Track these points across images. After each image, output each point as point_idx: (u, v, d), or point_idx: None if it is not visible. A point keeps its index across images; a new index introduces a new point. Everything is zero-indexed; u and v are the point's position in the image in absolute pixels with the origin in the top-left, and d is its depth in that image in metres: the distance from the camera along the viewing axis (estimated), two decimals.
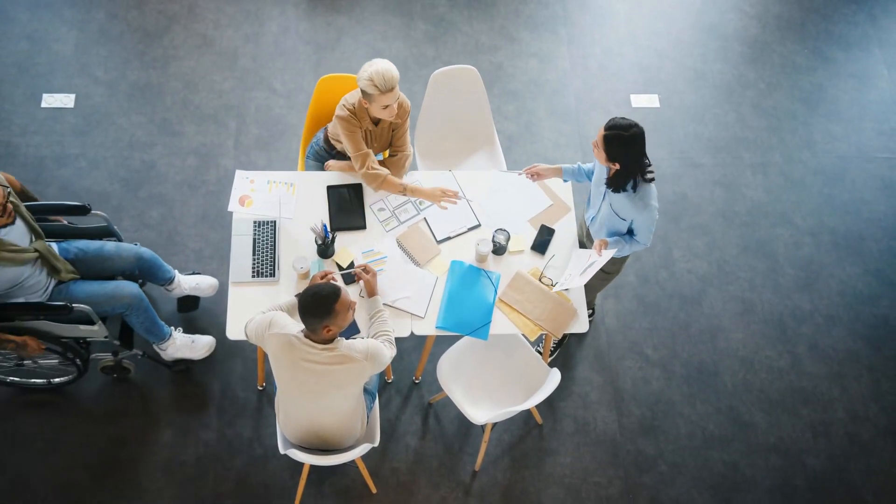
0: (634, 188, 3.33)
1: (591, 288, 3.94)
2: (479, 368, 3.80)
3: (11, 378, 3.99)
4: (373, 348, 3.08)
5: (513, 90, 5.13)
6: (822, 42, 5.46)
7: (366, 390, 3.49)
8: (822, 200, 4.93)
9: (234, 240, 3.71)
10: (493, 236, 3.69)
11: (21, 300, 3.42)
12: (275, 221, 3.76)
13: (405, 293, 3.64)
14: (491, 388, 3.76)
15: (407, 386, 4.24)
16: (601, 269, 3.78)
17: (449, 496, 3.98)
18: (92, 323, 3.57)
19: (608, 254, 3.40)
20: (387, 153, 4.00)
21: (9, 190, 3.29)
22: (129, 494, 3.88)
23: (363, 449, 3.33)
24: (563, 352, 4.39)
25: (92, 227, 3.85)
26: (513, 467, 4.07)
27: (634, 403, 4.28)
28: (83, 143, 4.75)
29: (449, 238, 3.81)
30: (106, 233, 3.87)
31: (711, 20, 5.49)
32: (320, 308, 2.91)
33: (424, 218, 3.84)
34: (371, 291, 3.49)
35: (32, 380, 4.02)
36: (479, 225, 3.85)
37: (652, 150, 4.99)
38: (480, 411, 3.67)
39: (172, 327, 4.02)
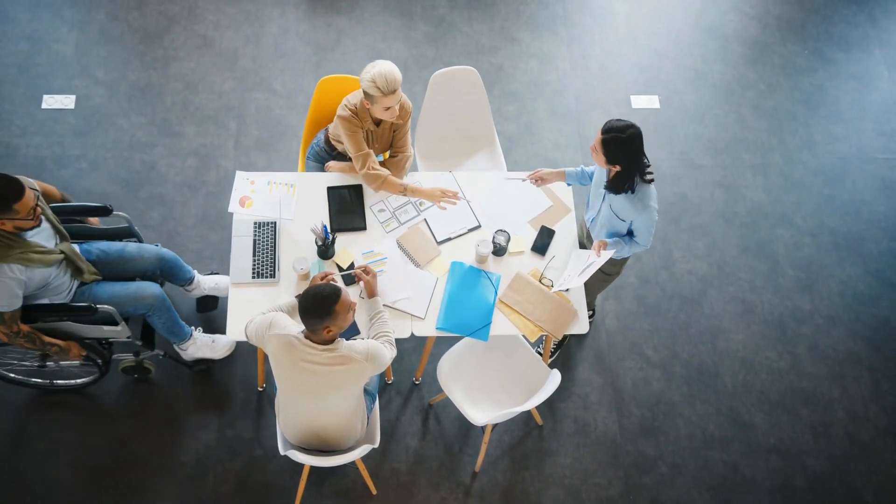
0: (633, 189, 3.33)
1: (592, 289, 3.94)
2: (480, 369, 3.80)
3: (35, 379, 4.02)
4: (373, 349, 3.08)
5: (513, 91, 5.13)
6: (822, 43, 5.46)
7: (366, 391, 3.49)
8: (823, 201, 4.93)
9: (235, 241, 3.71)
10: (494, 237, 3.69)
11: (45, 301, 3.46)
12: (275, 222, 3.76)
13: (405, 294, 3.64)
14: (491, 389, 3.76)
15: (407, 387, 4.24)
16: (601, 271, 3.78)
17: (449, 497, 3.98)
18: (115, 323, 3.60)
19: (607, 254, 3.40)
20: (387, 154, 4.00)
21: (37, 193, 3.32)
22: (129, 495, 3.88)
23: (363, 450, 3.34)
24: (564, 353, 4.39)
25: (112, 228, 3.87)
26: (513, 468, 4.07)
27: (635, 404, 4.28)
28: (83, 144, 4.75)
29: (449, 239, 3.81)
30: (126, 233, 3.89)
31: (711, 21, 5.49)
32: (321, 309, 2.91)
33: (425, 219, 3.84)
34: (371, 292, 3.49)
35: (56, 381, 4.06)
36: (479, 226, 3.85)
37: (652, 151, 4.99)
38: (481, 412, 3.67)
39: (193, 327, 4.03)
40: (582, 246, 3.95)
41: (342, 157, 3.96)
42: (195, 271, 4.12)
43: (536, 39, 5.32)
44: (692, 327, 4.50)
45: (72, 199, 3.84)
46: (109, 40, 5.09)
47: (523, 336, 3.84)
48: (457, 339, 4.07)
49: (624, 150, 3.19)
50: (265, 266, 3.65)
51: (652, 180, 3.32)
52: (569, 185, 3.83)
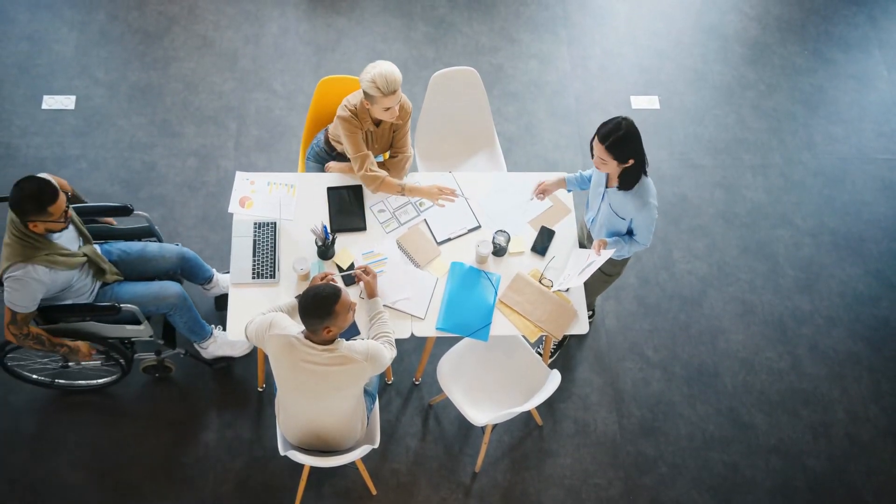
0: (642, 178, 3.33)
1: (592, 290, 3.94)
2: (480, 370, 3.80)
3: (58, 380, 4.03)
4: (373, 349, 3.08)
5: (513, 91, 5.13)
6: (822, 43, 5.47)
7: (366, 391, 3.49)
8: (823, 202, 4.93)
9: (235, 241, 3.71)
10: (494, 238, 3.69)
11: (69, 302, 3.47)
12: (275, 223, 3.76)
13: (405, 294, 3.64)
14: (491, 390, 3.76)
15: (407, 387, 4.24)
16: (602, 272, 3.78)
17: (449, 497, 3.98)
18: (138, 323, 3.61)
19: (607, 253, 3.40)
20: (387, 154, 4.00)
21: (68, 195, 3.34)
22: (129, 495, 3.88)
23: (363, 450, 3.34)
24: (564, 353, 4.39)
25: (132, 228, 3.88)
26: (513, 468, 4.07)
27: (635, 405, 4.28)
28: (83, 145, 4.75)
29: (449, 239, 3.81)
30: (146, 233, 3.90)
31: (711, 21, 5.49)
32: (321, 309, 2.91)
33: (425, 219, 3.84)
34: (371, 293, 3.49)
35: (78, 381, 4.08)
36: (479, 226, 3.85)
37: (652, 151, 4.99)
38: (480, 413, 3.67)
39: (213, 325, 4.04)
40: (582, 246, 3.95)
41: (342, 157, 3.96)
42: (214, 270, 4.13)
43: (536, 40, 5.32)
44: (692, 328, 4.50)
45: (86, 199, 3.85)
46: (109, 41, 5.09)
47: (523, 336, 3.84)
48: (457, 340, 4.06)
49: (629, 144, 3.18)
50: (265, 266, 3.65)
51: (646, 172, 3.32)
52: (569, 191, 3.83)
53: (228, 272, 4.26)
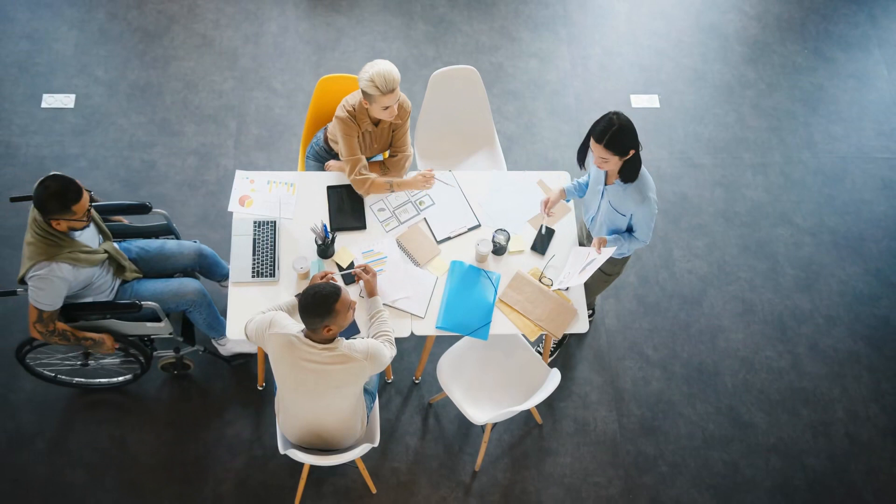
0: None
1: (592, 289, 3.94)
2: (479, 369, 3.80)
3: (77, 379, 4.05)
4: (373, 348, 3.08)
5: (513, 90, 5.13)
6: (822, 42, 5.46)
7: (366, 390, 3.49)
8: (823, 201, 4.93)
9: (234, 240, 3.71)
10: (493, 236, 3.69)
11: (89, 300, 3.49)
12: (275, 221, 3.76)
13: (405, 293, 3.64)
14: (491, 389, 3.76)
15: (407, 386, 4.24)
16: (602, 271, 3.78)
17: (449, 496, 3.98)
18: (158, 320, 3.63)
19: (608, 251, 3.39)
20: (387, 153, 4.00)
21: (91, 193, 3.37)
22: (129, 495, 3.88)
23: (363, 449, 3.34)
24: (563, 352, 4.39)
25: (150, 226, 3.90)
26: (513, 467, 4.07)
27: (634, 403, 4.28)
28: (83, 143, 4.75)
29: (449, 238, 3.81)
30: (164, 230, 3.92)
31: (711, 20, 5.49)
32: (320, 308, 2.91)
33: (424, 218, 3.84)
34: (371, 291, 3.49)
35: (98, 380, 4.09)
36: (478, 225, 3.85)
37: (652, 150, 4.99)
38: (480, 411, 3.67)
39: None
40: (581, 245, 3.94)
41: None
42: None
43: (536, 39, 5.32)
44: (692, 327, 4.50)
45: (98, 198, 3.87)
46: (109, 39, 5.09)
47: (523, 335, 3.84)
48: (457, 339, 4.06)
49: (626, 136, 3.17)
50: (265, 265, 3.65)
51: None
52: (567, 200, 3.82)
53: None
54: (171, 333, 3.74)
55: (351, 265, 3.68)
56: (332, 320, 2.94)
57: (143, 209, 3.70)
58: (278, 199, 3.82)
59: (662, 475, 4.11)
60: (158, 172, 4.70)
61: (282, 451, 3.31)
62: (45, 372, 3.94)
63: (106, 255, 3.45)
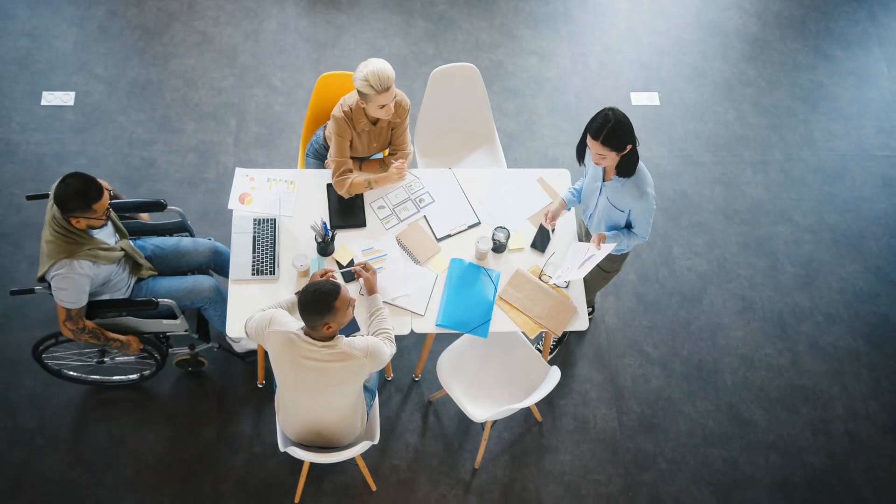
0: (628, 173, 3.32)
1: (591, 286, 3.94)
2: (479, 366, 3.80)
3: (93, 377, 4.06)
4: (373, 346, 3.08)
5: (513, 88, 5.13)
6: (822, 40, 5.46)
7: (365, 388, 3.49)
8: (823, 198, 4.93)
9: (234, 237, 3.71)
10: (493, 234, 3.69)
11: (106, 297, 3.51)
12: (275, 219, 3.76)
13: (405, 291, 3.64)
14: (491, 386, 3.76)
15: (407, 384, 4.25)
16: (601, 268, 3.78)
17: (449, 494, 3.98)
18: (174, 317, 3.64)
19: (608, 247, 3.39)
20: (387, 152, 4.00)
21: (111, 192, 3.38)
22: (129, 492, 3.89)
23: (363, 446, 3.34)
24: (563, 349, 4.39)
25: (164, 224, 3.90)
26: (512, 465, 4.08)
27: (634, 401, 4.28)
28: (83, 141, 4.74)
29: (449, 236, 3.81)
30: (179, 228, 3.92)
31: (711, 18, 5.48)
32: (320, 305, 2.91)
33: (424, 216, 3.84)
34: (371, 289, 3.49)
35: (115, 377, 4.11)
36: (478, 223, 3.85)
37: (652, 147, 4.99)
38: (480, 409, 3.67)
39: None
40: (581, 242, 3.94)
41: None
42: None
43: (536, 36, 5.32)
44: (692, 324, 4.50)
45: (123, 195, 3.88)
46: (109, 37, 5.08)
47: (523, 333, 3.84)
48: (456, 336, 4.07)
49: (623, 131, 3.16)
50: (265, 263, 3.65)
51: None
52: (568, 209, 3.80)
53: None
54: (186, 331, 3.75)
55: (351, 263, 3.68)
56: (331, 318, 2.94)
57: (158, 207, 3.71)
58: (278, 196, 3.82)
59: (662, 472, 4.11)
60: (158, 170, 4.70)
61: (282, 449, 3.31)
62: (62, 370, 3.95)
63: (123, 253, 3.47)
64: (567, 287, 3.71)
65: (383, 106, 3.51)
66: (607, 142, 3.16)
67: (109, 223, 3.48)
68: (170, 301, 3.54)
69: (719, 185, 4.92)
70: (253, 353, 4.16)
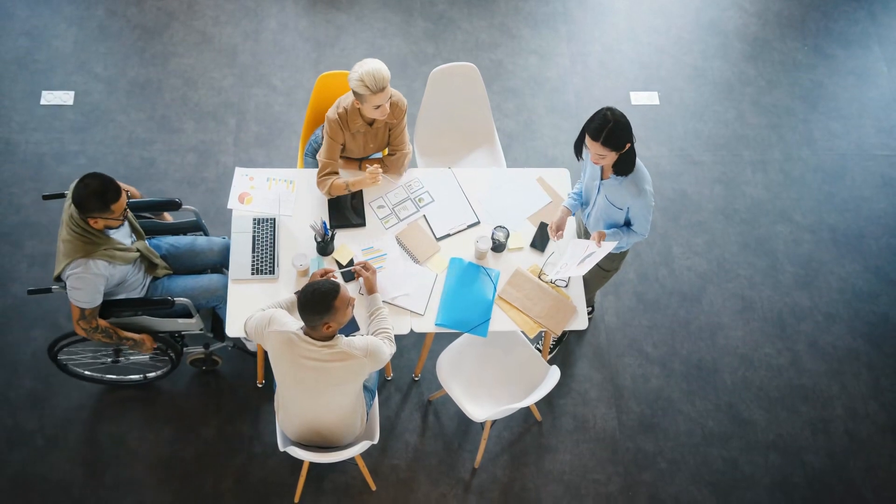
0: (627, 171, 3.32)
1: (591, 285, 3.94)
2: (479, 366, 3.80)
3: (109, 376, 4.07)
4: (372, 345, 3.08)
5: (513, 87, 5.12)
6: (821, 39, 5.46)
7: (365, 387, 3.49)
8: (822, 198, 4.93)
9: (234, 237, 3.71)
10: (493, 233, 3.69)
11: (122, 297, 3.52)
12: (274, 219, 3.76)
13: (404, 290, 3.64)
14: (490, 386, 3.76)
15: (406, 383, 4.25)
16: (600, 267, 3.78)
17: (448, 493, 3.98)
18: (189, 316, 3.65)
19: (608, 245, 3.38)
20: (386, 152, 4.00)
21: (128, 193, 3.40)
22: (129, 492, 3.89)
23: (363, 446, 3.34)
24: (563, 349, 4.39)
25: (178, 223, 3.91)
26: (512, 464, 4.08)
27: (634, 401, 4.28)
28: (83, 141, 4.74)
29: (448, 235, 3.81)
30: (193, 227, 3.93)
31: (711, 17, 5.48)
32: (320, 305, 2.91)
33: (424, 215, 3.84)
34: (370, 289, 3.49)
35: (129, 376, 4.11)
36: (478, 222, 3.85)
37: (651, 147, 4.99)
38: (480, 408, 3.67)
39: None
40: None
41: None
42: None
43: (536, 36, 5.32)
44: (691, 324, 4.50)
45: (141, 194, 3.89)
46: (108, 36, 5.08)
47: (522, 332, 3.84)
48: (456, 336, 4.07)
49: (622, 131, 3.16)
50: (264, 262, 3.65)
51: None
52: (573, 214, 3.79)
53: None
54: (201, 330, 3.75)
55: (350, 262, 3.68)
56: (331, 317, 2.94)
57: (172, 206, 3.72)
58: (278, 196, 3.82)
59: (661, 472, 4.11)
60: (158, 170, 4.69)
61: (281, 449, 3.31)
62: (77, 370, 3.95)
63: (138, 254, 3.48)
64: (567, 286, 3.71)
65: (378, 106, 3.50)
66: (607, 142, 3.16)
67: (126, 223, 3.49)
68: (185, 300, 3.55)
69: (719, 184, 4.92)
70: None
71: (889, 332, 4.55)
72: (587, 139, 3.21)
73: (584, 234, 3.90)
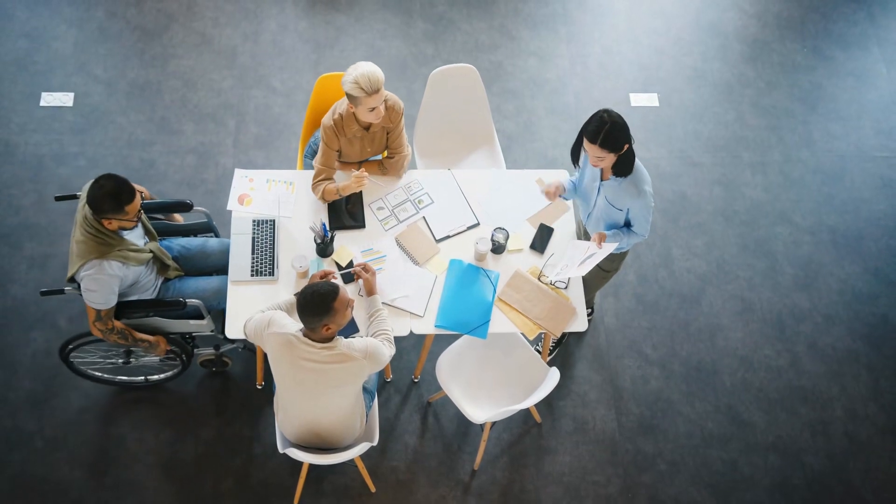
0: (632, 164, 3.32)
1: (590, 286, 3.94)
2: (478, 367, 3.80)
3: (119, 377, 4.07)
4: (372, 347, 3.08)
5: (512, 89, 5.13)
6: (821, 41, 5.46)
7: (365, 389, 3.49)
8: (822, 199, 4.93)
9: (233, 238, 3.71)
10: (492, 235, 3.69)
11: (134, 298, 3.53)
12: (274, 220, 3.76)
13: (404, 292, 3.64)
14: (490, 387, 3.76)
15: (406, 385, 4.25)
16: (600, 267, 3.78)
17: (448, 495, 3.98)
18: (200, 318, 3.66)
19: (609, 247, 3.39)
20: (385, 154, 4.00)
21: (143, 194, 3.41)
22: (128, 493, 3.89)
23: (362, 448, 3.34)
24: (563, 351, 4.39)
25: (189, 224, 3.91)
26: (512, 466, 4.08)
27: (633, 402, 4.28)
28: (82, 142, 4.74)
29: (448, 237, 3.81)
30: (204, 228, 3.94)
31: (711, 19, 5.48)
32: (319, 306, 2.91)
33: (423, 217, 3.84)
34: (370, 290, 3.49)
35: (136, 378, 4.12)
36: (478, 224, 3.85)
37: (651, 149, 4.99)
38: (479, 410, 3.67)
39: None
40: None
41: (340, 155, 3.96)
42: None
43: (536, 37, 5.32)
44: (691, 325, 4.50)
45: (155, 196, 3.89)
46: (108, 38, 5.08)
47: (522, 334, 3.84)
48: (455, 337, 4.07)
49: (620, 133, 3.17)
50: (264, 264, 3.65)
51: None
52: (566, 198, 3.79)
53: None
54: (212, 331, 3.76)
55: (350, 264, 3.68)
56: (330, 319, 2.94)
57: (184, 207, 3.72)
58: (277, 197, 3.82)
59: (661, 474, 4.11)
60: (157, 171, 4.69)
61: (281, 450, 3.31)
62: (88, 371, 3.95)
63: (151, 255, 3.48)
64: (566, 288, 3.71)
65: (373, 109, 3.50)
66: (605, 144, 3.17)
67: (139, 225, 3.50)
68: (197, 301, 3.56)
69: (718, 186, 4.92)
70: None
71: (889, 333, 4.55)
72: (585, 142, 3.22)
73: (584, 235, 3.90)
